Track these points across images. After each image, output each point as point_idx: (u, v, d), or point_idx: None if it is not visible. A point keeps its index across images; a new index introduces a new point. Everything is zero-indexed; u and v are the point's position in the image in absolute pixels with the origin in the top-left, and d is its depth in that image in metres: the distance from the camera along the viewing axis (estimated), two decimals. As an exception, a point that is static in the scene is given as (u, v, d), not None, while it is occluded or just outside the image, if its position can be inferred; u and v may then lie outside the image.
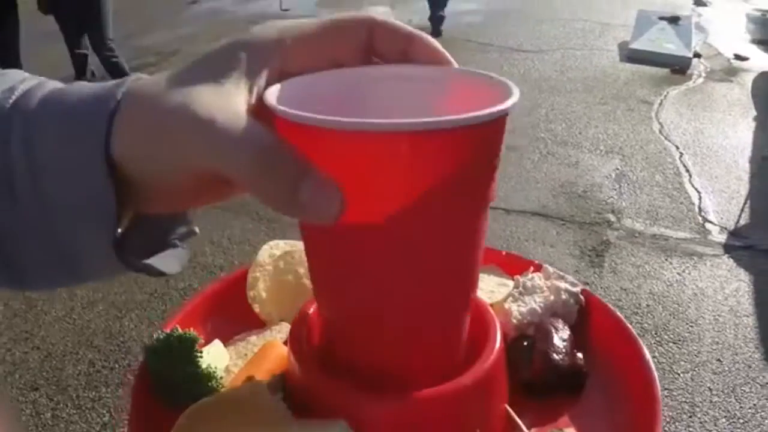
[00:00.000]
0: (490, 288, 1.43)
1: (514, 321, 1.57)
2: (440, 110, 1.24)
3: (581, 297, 1.71)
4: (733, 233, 4.01)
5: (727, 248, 3.85)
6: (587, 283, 3.38)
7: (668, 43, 7.42)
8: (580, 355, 1.49)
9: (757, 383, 2.82)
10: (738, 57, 7.53)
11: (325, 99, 1.20)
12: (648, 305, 3.26)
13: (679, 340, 3.05)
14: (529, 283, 1.69)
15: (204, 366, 1.34)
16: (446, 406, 1.19)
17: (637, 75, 6.82)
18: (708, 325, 3.17)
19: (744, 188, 4.58)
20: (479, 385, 1.19)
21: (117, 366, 2.86)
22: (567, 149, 5.04)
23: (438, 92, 1.29)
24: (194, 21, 8.45)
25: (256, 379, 1.29)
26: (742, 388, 2.79)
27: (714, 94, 6.42)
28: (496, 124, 1.09)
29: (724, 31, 8.49)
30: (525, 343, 1.48)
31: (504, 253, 1.86)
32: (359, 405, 1.18)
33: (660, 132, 5.45)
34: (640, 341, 1.64)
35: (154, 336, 1.47)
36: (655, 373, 1.48)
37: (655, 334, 3.05)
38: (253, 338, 1.52)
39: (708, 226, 4.08)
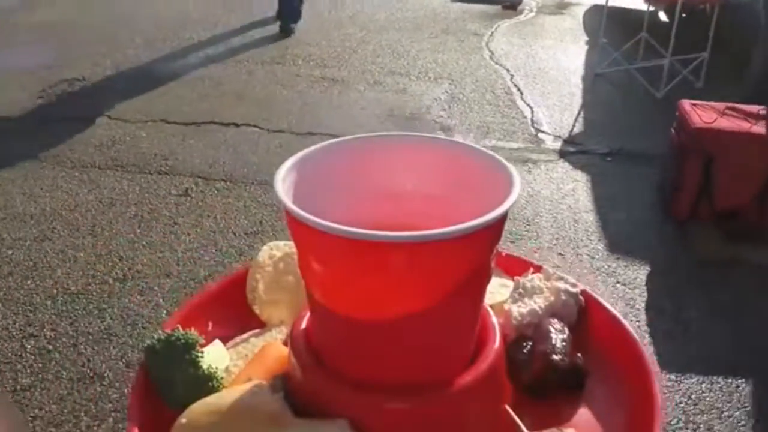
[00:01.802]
0: (491, 289, 1.55)
1: (514, 322, 1.76)
2: (446, 187, 1.51)
3: (581, 298, 1.87)
4: (568, 141, 3.85)
5: (562, 153, 3.68)
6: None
7: (498, -19, 7.29)
8: (579, 355, 1.66)
9: (603, 273, 2.64)
10: (567, -9, 7.47)
11: (337, 170, 1.50)
12: (482, 210, 3.03)
13: (517, 239, 2.83)
14: (528, 284, 1.89)
15: (204, 366, 1.55)
16: (446, 406, 1.39)
17: (468, 13, 6.66)
18: (546, 223, 2.96)
19: (576, 102, 4.47)
20: (479, 386, 1.41)
21: None
22: (395, 78, 4.79)
23: (447, 166, 1.51)
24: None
25: (257, 380, 1.49)
26: (587, 277, 2.59)
27: (545, 25, 6.34)
28: (492, 226, 1.24)
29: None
30: (525, 344, 1.68)
31: (504, 254, 2.04)
32: (360, 405, 1.38)
33: (491, 59, 5.28)
34: (640, 341, 1.72)
35: (155, 336, 1.59)
36: (655, 373, 1.59)
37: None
38: (253, 339, 1.78)
39: (541, 135, 3.91)
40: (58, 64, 5.23)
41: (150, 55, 5.41)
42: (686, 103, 3.09)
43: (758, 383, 2.12)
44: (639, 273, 2.66)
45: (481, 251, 1.30)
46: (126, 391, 1.97)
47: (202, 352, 1.57)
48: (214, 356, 1.62)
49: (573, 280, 1.89)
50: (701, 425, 1.94)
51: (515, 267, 1.98)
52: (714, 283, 2.62)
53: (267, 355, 1.64)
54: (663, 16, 6.17)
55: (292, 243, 1.73)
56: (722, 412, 2.00)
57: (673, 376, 2.13)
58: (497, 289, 1.86)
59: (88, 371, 2.03)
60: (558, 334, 1.67)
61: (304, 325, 1.53)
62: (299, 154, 1.46)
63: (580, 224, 2.97)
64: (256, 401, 1.41)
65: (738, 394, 2.06)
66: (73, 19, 6.49)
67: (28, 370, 2.05)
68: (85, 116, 4.17)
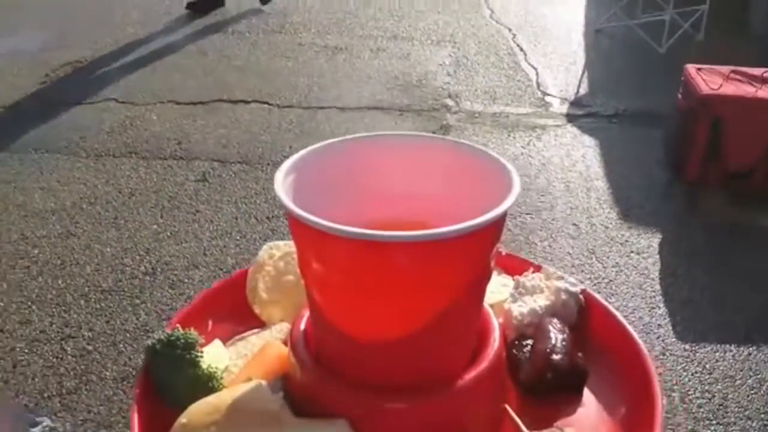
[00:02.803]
0: (491, 289, 1.52)
1: (514, 321, 1.77)
2: (446, 187, 1.52)
3: (581, 297, 1.87)
4: (574, 103, 3.89)
5: (570, 117, 3.72)
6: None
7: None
8: (579, 354, 1.67)
9: (617, 242, 2.69)
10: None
11: (337, 170, 1.51)
12: (496, 181, 3.08)
13: (533, 211, 2.88)
14: (528, 284, 1.89)
15: (204, 366, 1.56)
16: (446, 406, 1.40)
17: (464, -31, 6.65)
18: (559, 193, 3.01)
19: (580, 60, 4.50)
20: (479, 385, 1.41)
21: None
22: (397, 43, 4.81)
23: (447, 166, 1.53)
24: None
25: (257, 379, 1.48)
26: (602, 248, 2.64)
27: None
28: (492, 226, 1.25)
29: None
30: (525, 343, 1.69)
31: (504, 253, 2.05)
32: (360, 405, 1.39)
33: (491, 17, 5.31)
34: (640, 341, 1.71)
35: (155, 336, 1.59)
36: (655, 373, 1.59)
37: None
38: (253, 338, 1.77)
39: (548, 99, 3.94)
40: (57, 46, 5.21)
41: (148, 30, 5.40)
42: (691, 68, 3.13)
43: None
44: (652, 241, 2.71)
45: (481, 251, 1.31)
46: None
47: (202, 352, 1.58)
48: (214, 356, 1.63)
49: (573, 280, 1.90)
50: (716, 394, 1.98)
51: (515, 266, 2.00)
52: (726, 247, 2.68)
53: (267, 355, 1.64)
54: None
55: (292, 242, 1.73)
56: (735, 380, 2.04)
57: (687, 346, 2.18)
58: (497, 289, 1.87)
59: (131, 370, 2.07)
60: (558, 334, 1.68)
61: (303, 325, 1.54)
62: (299, 154, 1.46)
63: (593, 192, 3.02)
64: (256, 401, 1.41)
65: (749, 362, 2.11)
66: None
67: (71, 373, 2.08)
68: (91, 100, 4.18)
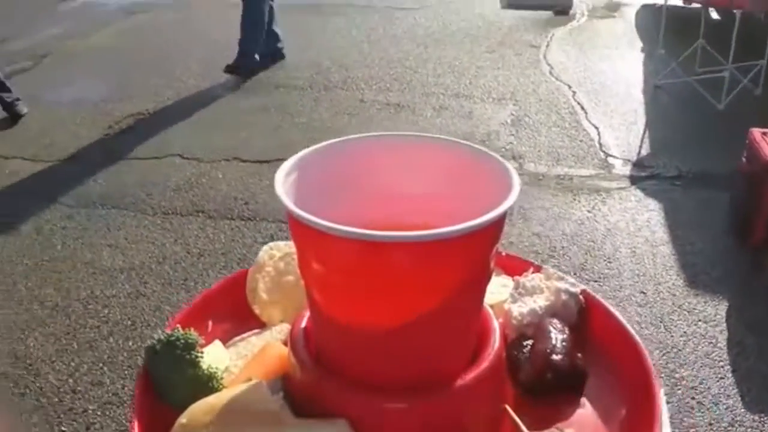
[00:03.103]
0: (491, 289, 1.53)
1: (514, 322, 1.77)
2: (446, 187, 1.52)
3: (581, 298, 1.87)
4: (636, 164, 3.94)
5: (633, 180, 3.77)
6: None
7: (548, -14, 7.37)
8: (579, 355, 1.66)
9: (684, 310, 2.73)
10: (617, -8, 7.53)
11: (337, 170, 1.51)
12: (563, 247, 3.15)
13: (600, 278, 2.94)
14: (529, 284, 1.89)
15: (204, 366, 1.54)
16: (446, 405, 1.40)
17: (521, 21, 6.74)
18: (626, 259, 3.07)
19: (640, 119, 4.55)
20: (479, 385, 1.41)
21: (28, 391, 2.55)
22: (459, 101, 4.91)
23: (447, 166, 1.53)
24: (66, 18, 8.00)
25: (257, 380, 1.47)
26: (670, 317, 2.69)
27: (599, 31, 6.40)
28: (492, 227, 1.26)
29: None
30: (525, 344, 1.69)
31: (504, 253, 2.04)
32: (360, 405, 1.39)
33: (550, 73, 5.37)
34: (640, 341, 1.70)
35: (155, 337, 1.58)
36: (655, 373, 1.58)
37: (575, 275, 2.93)
38: (253, 339, 1.77)
39: (611, 160, 4.00)
40: (119, 97, 5.37)
41: (210, 83, 5.53)
42: (756, 132, 3.17)
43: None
44: (719, 308, 2.75)
45: (481, 251, 1.31)
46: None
47: (202, 353, 1.57)
48: (214, 356, 1.62)
49: (573, 280, 1.89)
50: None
51: (515, 267, 1.98)
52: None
53: (267, 355, 1.64)
54: (714, 14, 6.21)
55: (292, 243, 1.73)
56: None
57: (756, 417, 2.22)
58: (497, 289, 1.86)
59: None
60: (558, 334, 1.67)
61: (303, 324, 1.53)
62: (300, 154, 1.47)
63: (659, 258, 3.07)
64: (256, 401, 1.40)
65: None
66: (127, 45, 6.67)
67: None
68: (156, 155, 4.30)
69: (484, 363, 1.44)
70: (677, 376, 2.43)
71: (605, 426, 1.55)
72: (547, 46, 6.01)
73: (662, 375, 2.44)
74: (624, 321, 1.76)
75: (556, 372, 1.59)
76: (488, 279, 1.41)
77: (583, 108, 4.69)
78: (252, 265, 1.91)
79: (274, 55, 5.87)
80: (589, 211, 3.43)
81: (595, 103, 4.78)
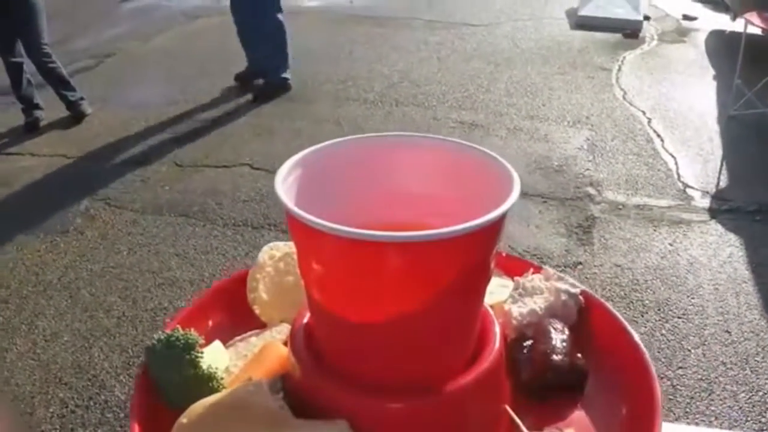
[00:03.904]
0: (491, 289, 1.45)
1: (514, 322, 1.67)
2: (446, 187, 1.46)
3: (581, 298, 1.77)
4: (716, 197, 3.92)
5: (713, 213, 3.75)
6: (580, 263, 3.26)
7: (617, 8, 7.33)
8: (579, 355, 1.59)
9: (769, 352, 2.72)
10: (686, 17, 7.50)
11: (337, 170, 1.48)
12: (646, 280, 3.14)
13: (684, 315, 2.93)
14: (528, 285, 1.80)
15: (204, 367, 1.48)
16: (446, 406, 1.34)
17: (590, 42, 6.72)
18: (709, 296, 3.06)
19: (716, 149, 4.51)
20: (479, 386, 1.36)
21: (92, 404, 2.62)
22: (534, 123, 4.91)
23: (447, 166, 1.48)
24: (128, 19, 8.13)
25: (257, 380, 1.42)
26: (755, 358, 2.68)
27: (670, 56, 6.35)
28: (492, 227, 1.17)
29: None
30: (525, 344, 1.61)
31: (504, 254, 1.91)
32: (360, 405, 1.33)
33: (624, 98, 5.35)
34: (640, 342, 1.60)
35: (155, 336, 1.48)
36: (655, 374, 1.46)
37: (659, 310, 2.93)
38: (253, 339, 1.70)
39: (689, 191, 3.97)
40: (185, 100, 5.45)
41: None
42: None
43: None
44: (806, 350, 2.73)
45: (481, 251, 1.27)
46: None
47: (201, 353, 1.54)
48: (214, 356, 1.59)
49: (573, 281, 1.85)
50: None
51: (515, 267, 1.91)
52: None
53: (267, 356, 1.60)
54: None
55: (292, 243, 1.70)
56: None
57: None
58: (497, 289, 1.80)
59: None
60: (558, 335, 1.63)
61: (304, 325, 1.50)
62: (300, 154, 1.42)
63: (742, 296, 3.05)
64: (256, 401, 1.37)
65: None
66: (190, 49, 6.77)
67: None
68: (224, 164, 4.35)
69: (484, 363, 1.38)
70: (763, 420, 2.42)
71: (605, 426, 1.49)
72: (619, 69, 5.98)
73: (749, 419, 2.43)
74: (624, 321, 1.69)
75: (556, 372, 1.54)
76: (488, 279, 1.36)
77: (659, 136, 4.67)
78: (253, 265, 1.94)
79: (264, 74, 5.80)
80: (670, 244, 3.42)
81: (670, 131, 4.75)
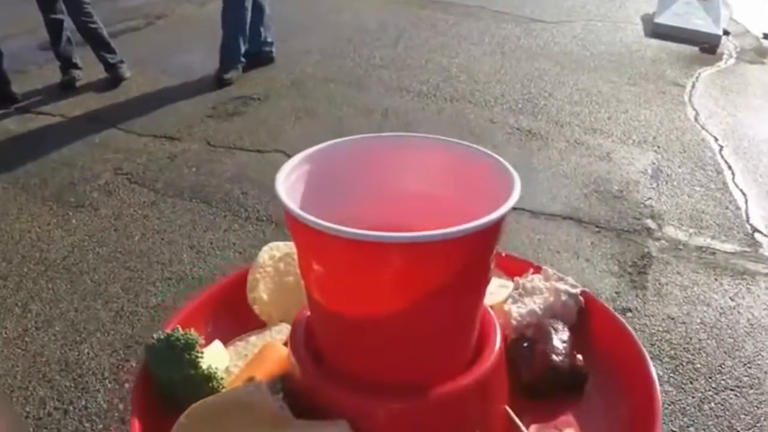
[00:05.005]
0: (491, 289, 1.53)
1: (514, 322, 1.75)
2: (446, 187, 1.49)
3: (581, 299, 1.84)
4: (787, 246, 3.56)
5: (782, 264, 3.39)
6: (629, 310, 2.94)
7: (697, 19, 6.92)
8: (579, 356, 1.66)
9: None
10: (767, 36, 7.03)
11: (337, 170, 1.47)
12: (700, 340, 2.81)
13: (738, 386, 2.61)
14: (528, 285, 1.88)
15: (204, 367, 1.54)
16: (446, 406, 1.38)
17: (665, 52, 6.33)
18: (768, 366, 2.73)
19: (792, 188, 4.13)
20: (479, 386, 1.41)
21: (72, 408, 2.39)
22: (596, 138, 4.56)
23: (448, 167, 1.50)
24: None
25: (257, 380, 1.48)
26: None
27: (748, 77, 5.93)
28: (492, 228, 1.23)
29: (749, 5, 7.94)
30: (525, 344, 1.68)
31: (504, 254, 1.99)
32: (360, 405, 1.37)
33: (695, 120, 4.96)
34: (640, 342, 1.68)
35: (155, 336, 1.57)
36: (654, 374, 1.56)
37: (710, 378, 2.61)
38: (253, 339, 1.76)
39: (758, 236, 3.60)
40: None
41: (327, 71, 5.32)
42: None
43: None
44: None
45: (481, 252, 1.33)
46: None
47: (201, 353, 1.58)
48: (214, 356, 1.64)
49: (573, 281, 1.88)
50: None
51: (515, 267, 1.99)
52: None
53: (267, 356, 1.65)
54: None
55: (292, 243, 1.77)
56: None
57: None
58: (497, 290, 1.87)
59: None
60: (558, 335, 1.69)
61: (303, 325, 1.55)
62: (300, 155, 1.48)
63: (807, 369, 2.73)
64: (256, 402, 1.41)
65: None
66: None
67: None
68: (258, 148, 4.14)
69: (485, 363, 1.45)
70: None
71: (605, 426, 1.57)
72: (693, 87, 5.58)
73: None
74: (624, 322, 1.78)
75: (555, 372, 1.62)
76: (488, 280, 1.43)
77: (730, 167, 4.29)
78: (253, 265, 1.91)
79: (258, 56, 5.53)
80: (731, 299, 3.09)
81: (743, 163, 4.36)
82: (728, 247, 3.49)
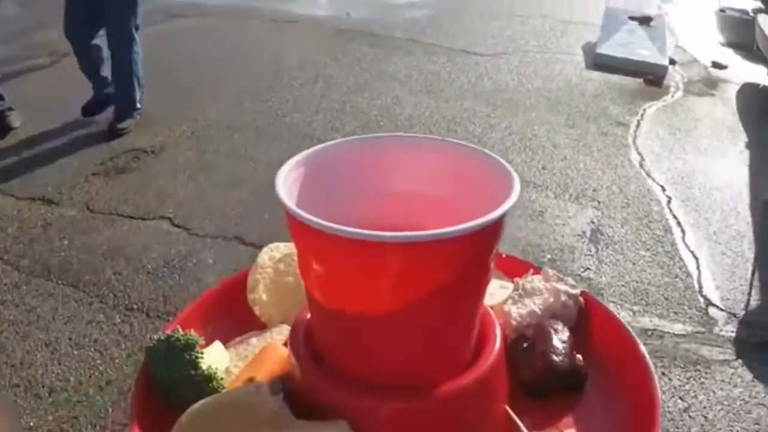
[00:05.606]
0: (490, 290, 1.59)
1: (514, 323, 1.79)
2: (446, 187, 1.58)
3: (580, 299, 1.90)
4: (744, 322, 3.04)
5: (740, 348, 2.85)
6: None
7: (641, 48, 6.51)
8: (579, 356, 1.73)
9: None
10: (716, 65, 6.65)
11: (337, 170, 1.58)
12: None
13: None
14: (528, 286, 1.91)
15: (204, 367, 1.62)
16: (446, 406, 1.45)
17: (607, 86, 5.88)
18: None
19: (747, 248, 3.63)
20: (479, 386, 1.49)
21: None
22: (529, 192, 4.03)
23: (447, 167, 1.58)
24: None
25: (257, 381, 1.56)
26: None
27: (696, 113, 5.49)
28: (492, 228, 1.31)
29: (695, 32, 7.56)
30: (525, 345, 1.73)
31: (504, 255, 2.00)
32: (360, 405, 1.44)
33: (641, 165, 4.48)
34: (639, 342, 1.73)
35: (155, 337, 1.64)
36: (654, 374, 1.64)
37: None
38: (253, 340, 1.80)
39: (712, 311, 3.09)
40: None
41: (233, 118, 4.90)
42: None
43: None
44: None
45: (481, 252, 1.33)
46: None
47: (202, 353, 1.60)
48: (214, 357, 1.64)
49: (572, 282, 1.90)
50: None
51: (515, 268, 2.01)
52: None
53: (267, 357, 1.65)
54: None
55: (292, 244, 1.80)
56: None
57: None
58: (496, 291, 1.87)
59: None
60: (558, 335, 1.70)
61: (304, 325, 1.55)
62: (300, 155, 1.50)
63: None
64: (256, 402, 1.42)
65: None
66: (166, 54, 6.00)
67: None
68: (141, 215, 3.69)
69: (485, 363, 1.46)
70: None
71: (605, 426, 1.59)
72: (638, 126, 5.12)
73: None
74: (623, 322, 1.80)
75: (555, 373, 1.63)
76: (488, 280, 1.43)
77: (679, 224, 3.79)
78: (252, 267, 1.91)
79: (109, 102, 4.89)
80: (681, 398, 2.58)
81: (694, 217, 3.87)
82: (678, 327, 2.99)
